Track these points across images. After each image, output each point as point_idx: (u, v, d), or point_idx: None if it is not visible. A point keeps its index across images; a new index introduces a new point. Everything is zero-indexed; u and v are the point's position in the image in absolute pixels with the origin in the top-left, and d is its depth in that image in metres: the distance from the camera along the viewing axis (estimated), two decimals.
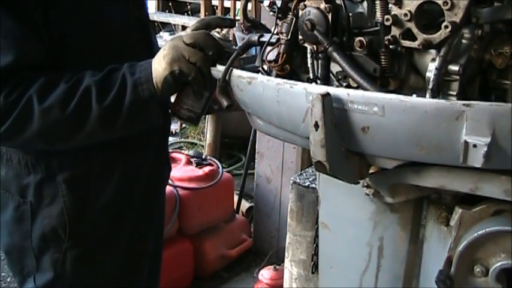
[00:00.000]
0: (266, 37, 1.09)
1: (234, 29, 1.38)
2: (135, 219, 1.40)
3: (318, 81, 0.98)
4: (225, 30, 1.26)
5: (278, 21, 1.04)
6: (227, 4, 5.04)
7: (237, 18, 4.62)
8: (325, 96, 0.79)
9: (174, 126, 5.46)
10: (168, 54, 1.13)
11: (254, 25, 1.22)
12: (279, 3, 1.04)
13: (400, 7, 0.83)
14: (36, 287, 1.35)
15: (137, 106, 1.15)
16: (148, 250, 1.50)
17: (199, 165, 2.91)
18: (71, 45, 1.20)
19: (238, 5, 4.70)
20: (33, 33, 1.12)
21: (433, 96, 0.81)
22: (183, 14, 5.81)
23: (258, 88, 0.96)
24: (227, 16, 4.91)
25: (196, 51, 1.12)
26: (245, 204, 3.48)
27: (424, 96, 0.82)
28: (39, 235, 1.31)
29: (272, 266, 2.63)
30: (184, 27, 5.30)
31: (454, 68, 0.82)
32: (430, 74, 0.82)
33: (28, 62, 1.13)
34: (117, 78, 1.15)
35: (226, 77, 1.04)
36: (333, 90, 0.82)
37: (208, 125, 3.95)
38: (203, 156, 3.02)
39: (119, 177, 1.33)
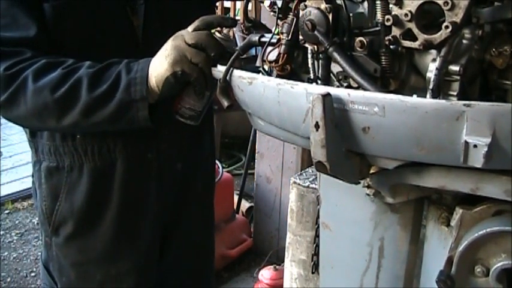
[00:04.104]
0: (267, 37, 1.08)
1: (235, 29, 1.37)
2: (114, 221, 1.35)
3: (319, 82, 0.98)
4: (226, 30, 1.26)
5: (279, 21, 1.04)
6: (227, 4, 5.03)
7: (237, 18, 4.62)
8: (326, 97, 0.79)
9: None
10: (170, 55, 1.12)
11: (255, 25, 1.21)
12: (279, 4, 1.04)
13: (400, 7, 0.83)
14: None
15: (126, 105, 1.14)
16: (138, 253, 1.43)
17: None
18: (65, 42, 1.23)
19: (239, 5, 4.70)
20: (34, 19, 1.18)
21: (433, 97, 0.81)
22: None
23: (259, 88, 0.96)
24: (227, 16, 4.92)
25: (198, 52, 1.12)
26: (245, 204, 3.49)
27: (425, 97, 0.82)
28: (39, 211, 1.39)
29: (272, 266, 2.64)
30: None
31: (455, 68, 0.82)
32: (431, 74, 0.81)
33: (32, 43, 1.18)
34: (112, 74, 1.15)
35: (227, 78, 1.04)
36: (334, 91, 0.82)
37: None
38: None
39: (90, 177, 1.31)
